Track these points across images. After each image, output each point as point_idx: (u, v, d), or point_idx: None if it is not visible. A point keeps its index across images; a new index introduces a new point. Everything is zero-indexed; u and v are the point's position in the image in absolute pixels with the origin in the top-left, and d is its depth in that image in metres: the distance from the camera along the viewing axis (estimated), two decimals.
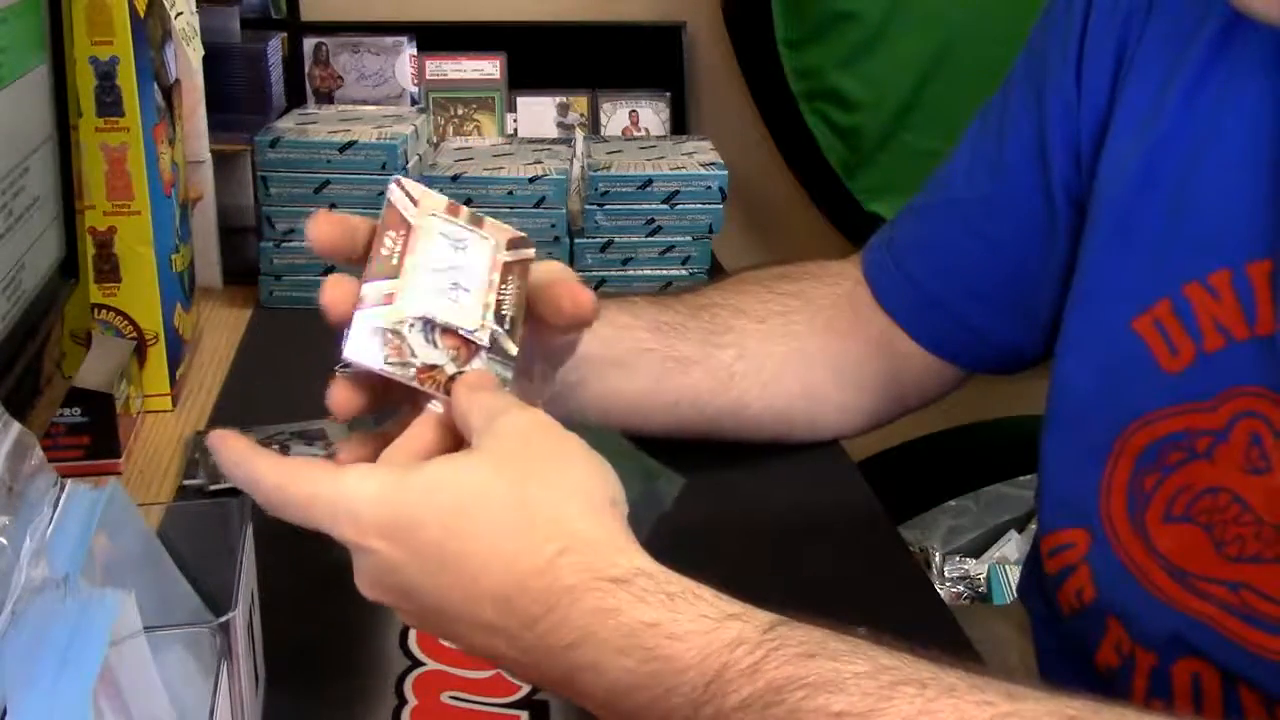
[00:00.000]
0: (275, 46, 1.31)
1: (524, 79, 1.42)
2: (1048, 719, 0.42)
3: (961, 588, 1.71)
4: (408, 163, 1.11)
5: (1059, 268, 0.72)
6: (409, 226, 0.53)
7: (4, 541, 0.41)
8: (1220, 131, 0.62)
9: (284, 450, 0.82)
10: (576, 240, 1.13)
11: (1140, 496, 0.65)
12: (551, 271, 0.58)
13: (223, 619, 0.47)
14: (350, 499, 0.47)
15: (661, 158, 1.17)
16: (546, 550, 0.45)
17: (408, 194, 0.53)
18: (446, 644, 0.61)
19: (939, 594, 0.77)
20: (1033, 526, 1.75)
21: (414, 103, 1.38)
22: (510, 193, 1.11)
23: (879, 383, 0.81)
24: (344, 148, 1.08)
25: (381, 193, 1.08)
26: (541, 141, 1.28)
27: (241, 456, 0.50)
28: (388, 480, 0.47)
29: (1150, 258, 0.64)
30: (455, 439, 0.51)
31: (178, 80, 0.97)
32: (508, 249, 0.55)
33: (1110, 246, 0.66)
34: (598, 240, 1.13)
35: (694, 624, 0.45)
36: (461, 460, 0.48)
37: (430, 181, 1.10)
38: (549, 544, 0.45)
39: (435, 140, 1.33)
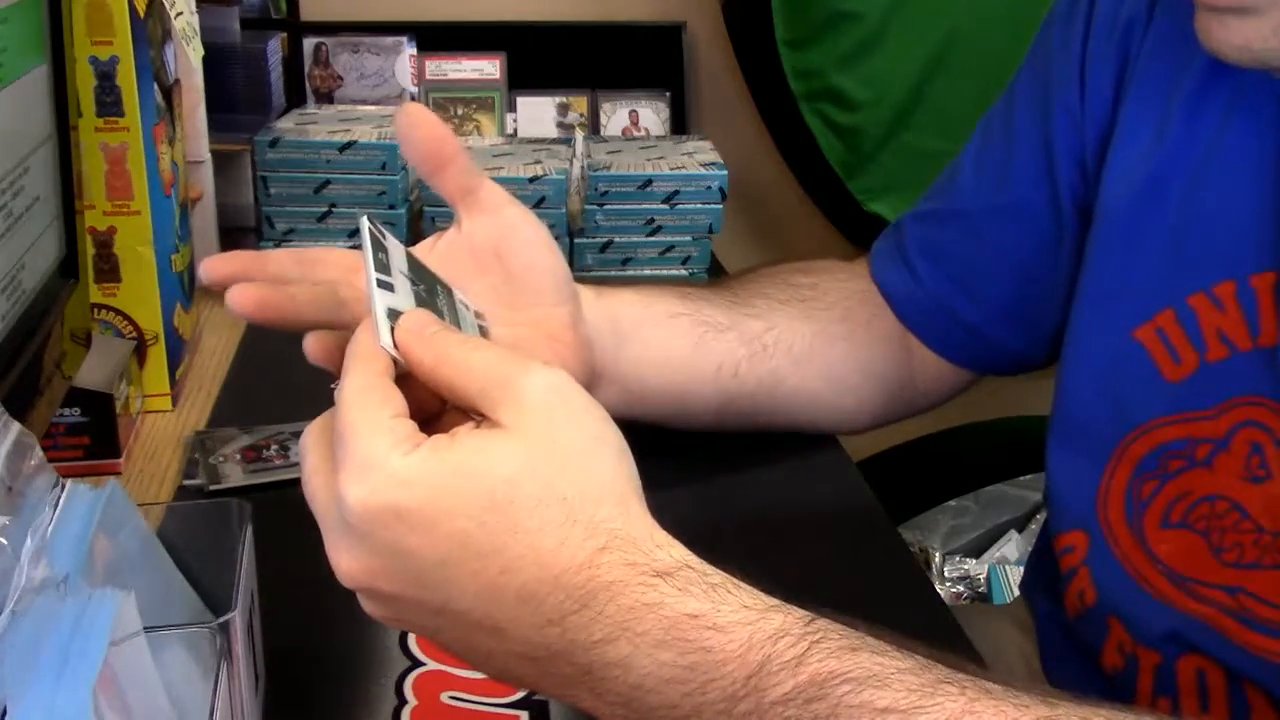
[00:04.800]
0: (275, 46, 1.31)
1: (524, 79, 1.42)
2: None
3: (961, 588, 1.71)
4: (407, 162, 1.11)
5: (1066, 277, 0.73)
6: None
7: (4, 541, 0.41)
8: (1226, 143, 0.62)
9: (283, 451, 0.82)
10: (576, 240, 1.13)
11: (1138, 502, 0.65)
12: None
13: (223, 619, 0.47)
14: (385, 473, 0.44)
15: (661, 158, 1.17)
16: (587, 547, 0.44)
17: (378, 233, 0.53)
18: (417, 636, 0.59)
19: (939, 594, 0.77)
20: (1033, 526, 1.76)
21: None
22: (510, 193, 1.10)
23: (892, 379, 0.82)
24: (344, 148, 1.08)
25: (382, 193, 1.09)
26: (541, 141, 1.28)
27: (360, 351, 0.47)
28: (422, 464, 0.44)
29: (1155, 268, 0.65)
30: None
31: (178, 80, 0.97)
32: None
33: (1114, 256, 0.67)
34: (598, 240, 1.13)
35: (737, 615, 0.44)
36: (491, 445, 0.45)
37: None
38: (589, 540, 0.44)
39: None
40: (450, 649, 0.48)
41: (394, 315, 0.48)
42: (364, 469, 0.44)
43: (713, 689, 0.43)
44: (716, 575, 0.45)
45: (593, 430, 0.46)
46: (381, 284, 0.48)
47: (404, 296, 0.50)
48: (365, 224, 0.50)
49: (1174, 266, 0.64)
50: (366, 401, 0.45)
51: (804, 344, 0.78)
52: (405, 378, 0.48)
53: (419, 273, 0.53)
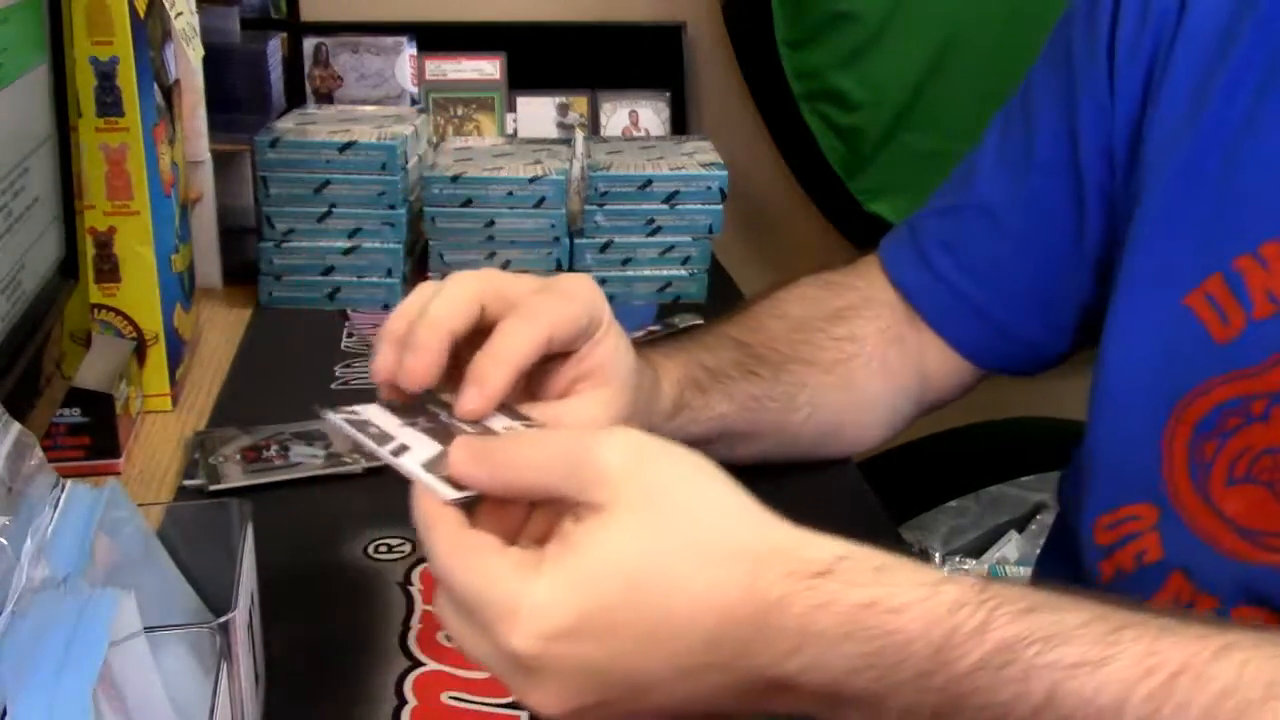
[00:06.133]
0: (275, 46, 1.31)
1: (524, 79, 1.42)
2: (1261, 646, 0.43)
3: None
4: (407, 162, 1.11)
5: (1089, 267, 0.74)
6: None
7: (4, 541, 0.41)
8: (1266, 107, 0.64)
9: (283, 451, 0.82)
10: (576, 240, 1.13)
11: (1202, 464, 0.66)
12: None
13: (223, 619, 0.47)
14: (531, 608, 0.44)
15: (661, 158, 1.17)
16: (740, 577, 0.44)
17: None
18: None
19: None
20: (1033, 527, 1.75)
21: (414, 103, 1.38)
22: (510, 193, 1.11)
23: (910, 400, 0.83)
24: (344, 148, 1.08)
25: (382, 192, 1.09)
26: (541, 141, 1.28)
27: (430, 519, 0.47)
28: (554, 578, 0.44)
29: (1201, 236, 0.66)
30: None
31: (178, 80, 0.97)
32: None
33: (1159, 231, 0.68)
34: (598, 240, 1.13)
35: (911, 593, 0.44)
36: (604, 533, 0.45)
37: (430, 182, 1.11)
38: (739, 570, 0.45)
39: (435, 140, 1.33)
40: (678, 713, 0.48)
41: (432, 465, 0.48)
42: (511, 616, 0.44)
43: (903, 669, 0.44)
44: (878, 557, 0.46)
45: (684, 467, 0.47)
46: (395, 452, 0.49)
47: (421, 444, 0.50)
48: (330, 417, 0.51)
49: (1219, 232, 0.65)
50: (468, 561, 0.46)
51: (834, 416, 0.80)
52: (475, 507, 0.48)
53: (408, 412, 0.53)
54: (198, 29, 1.00)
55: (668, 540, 0.45)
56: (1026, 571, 1.48)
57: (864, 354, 0.81)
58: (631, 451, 0.46)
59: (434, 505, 0.47)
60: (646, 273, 1.14)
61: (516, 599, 0.44)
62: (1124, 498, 0.71)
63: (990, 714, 0.43)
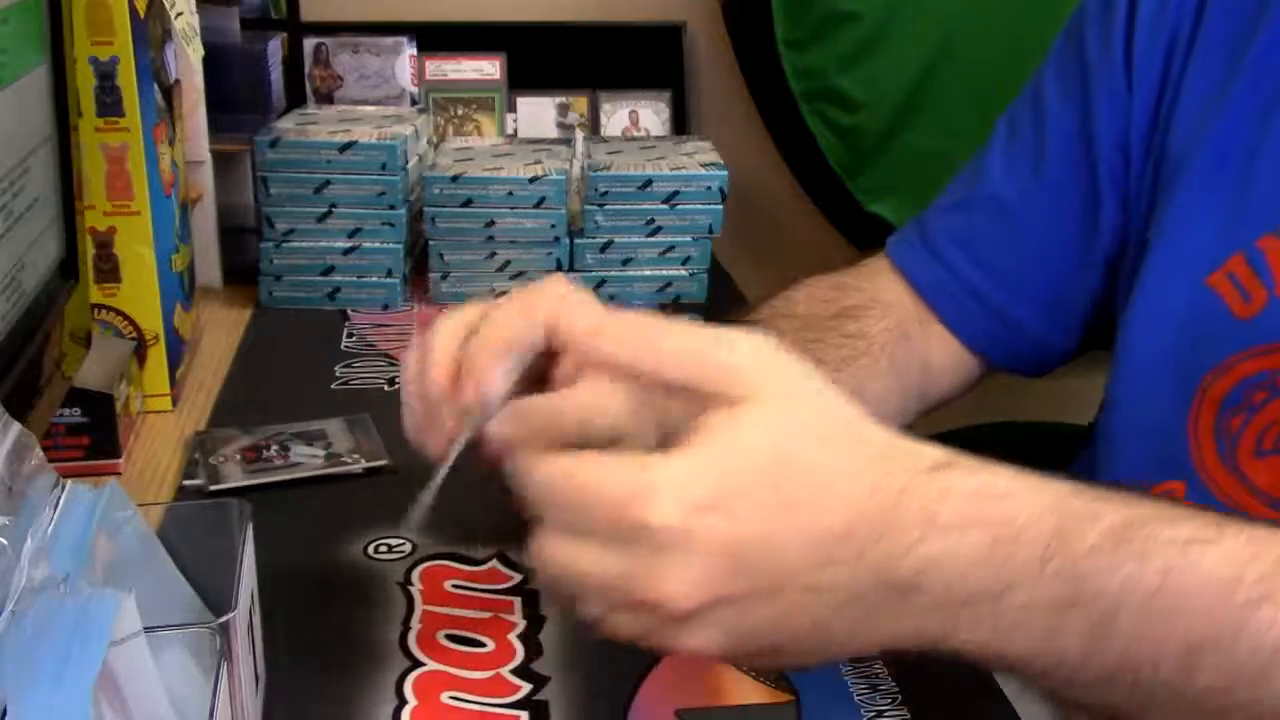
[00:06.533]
0: (275, 46, 1.31)
1: (524, 79, 1.42)
2: None
3: None
4: (407, 162, 1.11)
5: (1099, 263, 0.75)
6: None
7: (4, 541, 0.41)
8: None
9: (284, 451, 0.82)
10: (576, 240, 1.13)
11: (1229, 437, 0.67)
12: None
13: (223, 619, 0.47)
14: (669, 481, 0.44)
15: (661, 158, 1.17)
16: (869, 471, 0.46)
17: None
18: (765, 650, 0.50)
19: None
20: None
21: (414, 103, 1.38)
22: (510, 193, 1.11)
23: (914, 397, 0.83)
24: (344, 148, 1.08)
25: (382, 193, 1.09)
26: (541, 142, 1.28)
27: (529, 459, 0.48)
28: (692, 458, 0.45)
29: (1223, 220, 0.67)
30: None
31: (178, 80, 0.97)
32: None
33: (1184, 215, 0.69)
34: (598, 240, 1.13)
35: (1020, 482, 0.46)
36: (745, 418, 0.46)
37: (430, 182, 1.11)
38: (869, 464, 0.46)
39: (435, 140, 1.33)
40: (781, 646, 0.47)
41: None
42: (647, 493, 0.44)
43: (1018, 558, 0.45)
44: (984, 462, 0.47)
45: (810, 370, 0.49)
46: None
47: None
48: (411, 526, 0.53)
49: (1241, 213, 0.66)
50: (582, 468, 0.46)
51: None
52: None
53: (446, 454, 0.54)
54: (198, 29, 1.00)
55: (804, 429, 0.46)
56: None
57: (872, 352, 0.81)
58: (764, 351, 0.48)
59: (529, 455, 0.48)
60: (646, 273, 1.14)
61: (649, 477, 0.44)
62: (1152, 476, 0.71)
63: (1104, 603, 0.44)
